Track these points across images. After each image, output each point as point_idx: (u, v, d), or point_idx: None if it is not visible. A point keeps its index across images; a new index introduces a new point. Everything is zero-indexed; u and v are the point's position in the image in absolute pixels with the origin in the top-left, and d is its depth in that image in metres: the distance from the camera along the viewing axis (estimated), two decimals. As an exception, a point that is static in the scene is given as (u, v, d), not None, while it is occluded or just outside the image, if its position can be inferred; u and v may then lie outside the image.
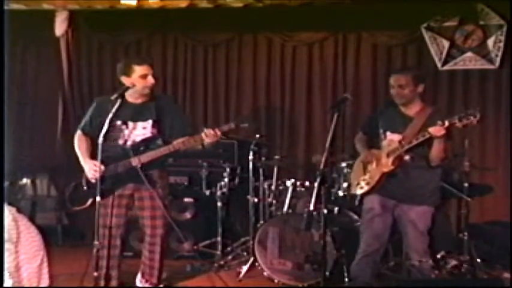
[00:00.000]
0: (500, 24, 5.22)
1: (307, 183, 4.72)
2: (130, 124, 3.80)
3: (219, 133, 3.60)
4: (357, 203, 4.25)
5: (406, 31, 5.53)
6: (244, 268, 4.51)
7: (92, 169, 3.69)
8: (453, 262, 4.42)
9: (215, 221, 4.95)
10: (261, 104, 5.84)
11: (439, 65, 5.42)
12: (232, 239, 5.13)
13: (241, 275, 4.47)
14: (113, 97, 3.61)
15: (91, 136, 3.83)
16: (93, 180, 3.65)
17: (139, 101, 3.81)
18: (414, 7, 5.25)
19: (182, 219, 4.99)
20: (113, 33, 5.94)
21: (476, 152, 5.24)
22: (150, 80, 3.74)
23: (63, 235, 5.55)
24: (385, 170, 3.62)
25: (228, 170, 4.99)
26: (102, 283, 3.74)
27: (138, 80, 3.71)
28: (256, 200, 4.94)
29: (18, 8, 5.57)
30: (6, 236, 2.97)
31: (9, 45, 5.00)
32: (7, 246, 2.97)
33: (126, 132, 3.80)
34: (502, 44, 5.23)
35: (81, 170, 3.85)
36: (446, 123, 3.35)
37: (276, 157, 5.00)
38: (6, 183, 4.89)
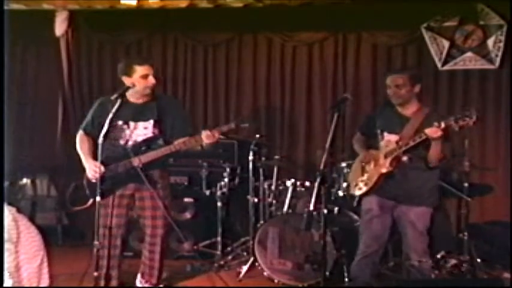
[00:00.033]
0: (500, 24, 5.22)
1: (307, 183, 4.72)
2: (132, 124, 3.80)
3: (216, 135, 3.61)
4: (355, 204, 4.26)
5: (406, 31, 5.54)
6: (244, 268, 4.51)
7: (92, 169, 3.69)
8: (453, 261, 4.41)
9: (215, 221, 4.95)
10: (261, 104, 5.84)
11: (439, 65, 5.42)
12: (232, 239, 5.13)
13: (241, 275, 4.47)
14: (113, 97, 3.61)
15: (93, 136, 3.83)
16: (94, 180, 3.65)
17: (140, 101, 3.82)
18: (414, 7, 5.25)
19: (182, 219, 4.99)
20: (113, 33, 5.94)
21: (476, 152, 5.24)
22: (151, 80, 3.75)
23: (63, 235, 5.54)
24: (383, 171, 3.61)
25: (228, 170, 4.99)
26: (102, 283, 3.74)
27: (139, 80, 3.72)
28: (256, 200, 4.94)
29: (18, 8, 5.57)
30: (6, 236, 2.97)
31: (9, 45, 5.00)
32: (7, 246, 2.97)
33: (128, 132, 3.80)
34: (502, 44, 5.23)
35: (82, 170, 3.86)
36: (443, 124, 3.34)
37: (276, 157, 5.01)
38: (6, 183, 4.89)
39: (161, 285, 4.03)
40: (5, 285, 2.93)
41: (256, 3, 5.47)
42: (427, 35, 5.40)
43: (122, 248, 3.94)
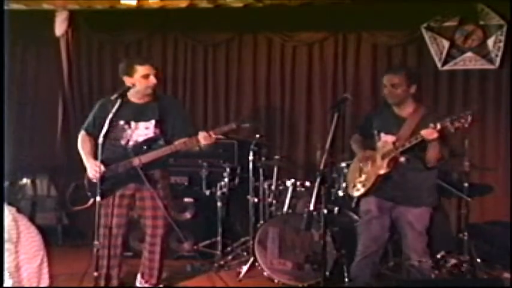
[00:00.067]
0: (500, 24, 5.22)
1: (307, 183, 4.72)
2: (133, 124, 3.81)
3: (213, 136, 3.62)
4: (353, 205, 4.27)
5: (406, 31, 5.54)
6: (244, 268, 4.51)
7: (93, 169, 3.70)
8: (453, 261, 4.41)
9: (215, 221, 4.95)
10: (261, 104, 5.84)
11: (439, 65, 5.42)
12: (232, 239, 5.13)
13: (241, 275, 4.47)
14: (113, 97, 3.62)
15: (94, 136, 3.83)
16: (95, 180, 3.66)
17: (142, 101, 3.83)
18: (414, 7, 5.25)
19: (182, 219, 4.99)
20: (113, 33, 5.94)
21: (476, 152, 5.24)
22: (152, 80, 3.75)
23: (63, 235, 5.54)
24: (380, 172, 3.61)
25: (228, 170, 4.99)
26: (102, 283, 3.74)
27: (140, 80, 3.73)
28: (256, 200, 4.94)
29: (18, 8, 5.57)
30: (6, 236, 2.97)
31: (9, 45, 5.00)
32: (7, 246, 2.97)
33: (129, 132, 3.81)
34: (502, 44, 5.23)
35: (82, 170, 3.87)
36: (438, 126, 3.33)
37: (276, 157, 5.00)
38: (6, 183, 4.89)
39: (161, 285, 4.03)
40: (5, 285, 2.93)
41: (256, 3, 5.47)
42: (427, 35, 5.40)
43: (122, 248, 3.94)
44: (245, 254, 4.86)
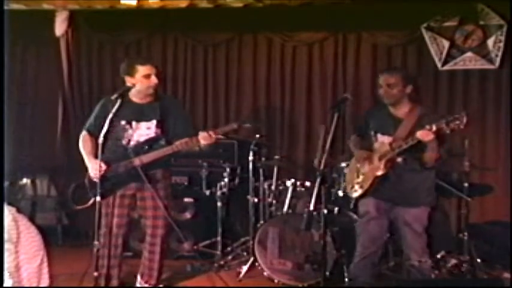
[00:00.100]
0: (500, 24, 5.22)
1: (307, 183, 4.71)
2: (134, 124, 3.82)
3: (214, 136, 3.62)
4: (351, 206, 4.27)
5: (406, 31, 5.53)
6: (244, 268, 4.51)
7: (95, 168, 3.70)
8: (453, 261, 4.41)
9: (215, 221, 4.95)
10: (261, 104, 5.84)
11: (439, 65, 5.42)
12: (232, 239, 5.13)
13: (241, 275, 4.47)
14: (113, 97, 3.63)
15: (96, 136, 3.83)
16: (96, 180, 3.66)
17: (143, 101, 3.83)
18: (414, 7, 5.25)
19: (182, 219, 4.99)
20: (113, 33, 5.94)
21: (476, 152, 5.24)
22: (154, 79, 3.76)
23: (63, 235, 5.54)
24: (378, 173, 3.61)
25: (228, 170, 4.99)
26: (102, 283, 3.74)
27: (141, 80, 3.74)
28: (256, 200, 4.94)
29: (18, 8, 5.57)
30: (6, 236, 2.98)
31: (9, 45, 5.00)
32: (7, 246, 2.97)
33: (130, 132, 3.82)
34: (502, 44, 5.23)
35: (82, 170, 3.87)
36: (434, 127, 3.32)
37: (276, 157, 5.00)
38: (6, 183, 4.89)
39: (161, 285, 4.03)
40: (5, 285, 2.94)
41: (256, 3, 5.47)
42: (427, 35, 5.40)
43: (123, 248, 3.94)
44: (245, 254, 4.86)
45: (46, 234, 3.27)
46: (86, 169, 3.83)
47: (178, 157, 4.69)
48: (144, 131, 3.81)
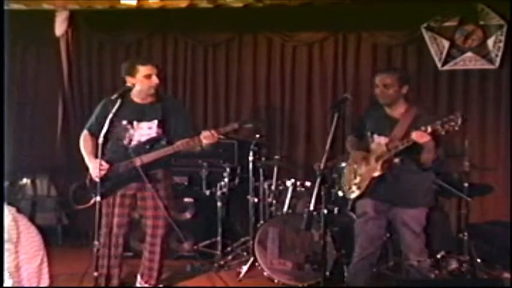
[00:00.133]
0: (500, 24, 5.22)
1: (307, 183, 4.71)
2: (136, 124, 3.82)
3: (216, 135, 3.62)
4: (349, 207, 4.26)
5: (406, 31, 5.53)
6: (244, 268, 4.51)
7: (95, 168, 3.70)
8: (454, 265, 4.42)
9: (215, 221, 4.95)
10: (261, 104, 5.84)
11: (439, 65, 5.42)
12: (232, 239, 5.13)
13: (241, 275, 4.47)
14: (113, 97, 3.64)
15: (97, 136, 3.83)
16: (97, 180, 3.66)
17: (145, 101, 3.84)
18: (414, 7, 5.25)
19: (182, 219, 4.99)
20: (113, 33, 5.94)
21: (476, 152, 5.23)
22: (155, 80, 3.77)
23: (63, 235, 5.54)
24: (374, 174, 3.60)
25: (228, 170, 5.00)
26: (102, 283, 3.74)
27: (142, 80, 3.74)
28: (256, 200, 4.94)
29: (18, 8, 5.57)
30: (6, 236, 2.98)
31: (9, 45, 5.00)
32: (7, 246, 2.97)
33: (131, 131, 3.82)
34: (502, 44, 5.23)
35: (82, 169, 3.87)
36: (429, 129, 3.32)
37: (276, 157, 5.00)
38: (6, 183, 4.89)
39: (161, 285, 4.03)
40: (5, 285, 2.94)
41: (256, 3, 5.47)
42: (427, 35, 5.40)
43: (123, 247, 3.94)
44: (245, 254, 4.87)
45: (46, 234, 3.27)
46: (86, 169, 3.83)
47: (178, 157, 4.69)
48: (145, 130, 3.82)
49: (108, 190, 3.73)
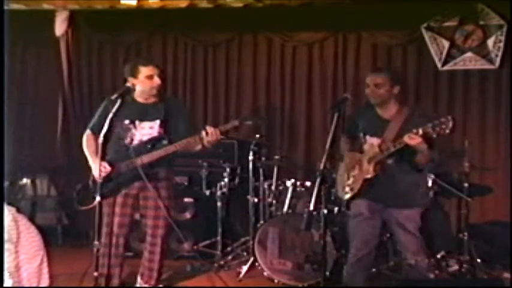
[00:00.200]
0: (500, 24, 5.22)
1: (307, 183, 4.71)
2: (138, 123, 3.82)
3: (218, 133, 3.62)
4: (343, 208, 4.25)
5: (406, 31, 5.53)
6: (244, 268, 4.51)
7: (99, 168, 3.69)
8: (455, 267, 4.42)
9: (215, 221, 4.95)
10: (261, 104, 5.84)
11: (439, 65, 5.42)
12: (232, 239, 5.13)
13: (241, 275, 4.47)
14: (113, 97, 3.64)
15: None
16: (101, 180, 3.66)
17: (148, 101, 3.85)
18: (414, 7, 5.25)
19: (182, 219, 4.99)
20: (113, 33, 5.94)
21: (476, 152, 5.23)
22: (156, 80, 3.78)
23: (63, 235, 5.54)
24: (367, 176, 3.58)
25: (228, 170, 5.00)
26: (102, 283, 3.74)
27: (144, 81, 3.75)
28: (256, 200, 4.94)
29: (18, 8, 5.57)
30: (6, 236, 2.98)
31: (9, 45, 5.00)
32: (7, 246, 2.97)
33: (133, 131, 3.82)
34: (502, 44, 5.23)
35: (83, 169, 3.87)
36: (420, 131, 3.30)
37: (276, 157, 5.00)
38: (6, 183, 4.89)
39: (161, 286, 4.03)
40: (5, 285, 2.94)
41: (256, 3, 5.47)
42: (427, 35, 5.40)
43: (124, 247, 3.93)
44: (245, 254, 4.87)
45: (46, 234, 3.27)
46: (87, 169, 3.83)
47: (178, 157, 4.69)
48: (147, 130, 3.82)
49: (112, 190, 3.73)
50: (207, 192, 5.07)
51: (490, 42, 5.27)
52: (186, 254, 4.88)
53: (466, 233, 4.48)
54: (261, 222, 4.65)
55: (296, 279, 4.24)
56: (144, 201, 3.88)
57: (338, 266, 4.11)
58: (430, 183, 4.41)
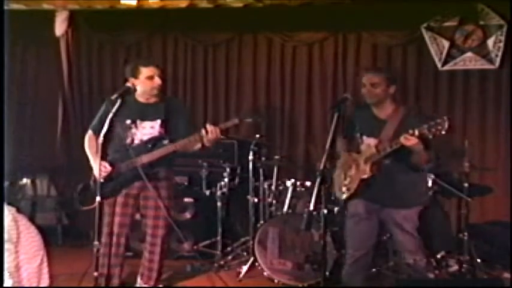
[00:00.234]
0: (500, 24, 5.22)
1: (307, 183, 4.71)
2: (139, 123, 3.83)
3: (218, 130, 3.62)
4: (340, 208, 4.25)
5: (406, 31, 5.53)
6: (244, 268, 4.51)
7: (100, 169, 3.70)
8: (454, 267, 4.41)
9: (215, 221, 4.95)
10: (261, 104, 5.84)
11: (439, 65, 5.42)
12: (232, 239, 5.13)
13: (241, 275, 4.47)
14: (113, 97, 3.64)
15: None
16: (102, 180, 3.66)
17: (149, 101, 3.86)
18: (414, 7, 5.25)
19: (182, 219, 4.99)
20: (113, 33, 5.94)
21: (476, 152, 5.23)
22: (157, 81, 3.78)
23: (63, 235, 5.54)
24: (363, 176, 3.58)
25: (228, 170, 5.00)
26: (102, 283, 3.74)
27: (145, 81, 3.76)
28: (256, 200, 4.94)
29: (18, 8, 5.57)
30: (6, 236, 2.98)
31: (9, 45, 4.99)
32: (7, 246, 2.97)
33: (134, 130, 3.83)
34: (502, 44, 5.23)
35: (83, 169, 3.88)
36: (416, 132, 3.30)
37: (276, 157, 5.00)
38: (6, 183, 4.89)
39: (161, 286, 4.03)
40: (5, 285, 2.94)
41: (256, 3, 5.47)
42: (427, 35, 5.40)
43: (125, 247, 3.93)
44: (245, 254, 4.87)
45: (46, 234, 3.27)
46: (90, 169, 3.83)
47: (178, 157, 4.69)
48: (147, 130, 3.83)
49: (113, 190, 3.74)
50: (207, 192, 5.07)
51: (490, 42, 5.27)
52: (186, 254, 4.88)
53: (466, 233, 4.48)
54: (261, 222, 4.65)
55: (296, 279, 4.24)
56: (144, 201, 3.88)
57: (338, 266, 4.11)
58: (430, 183, 4.42)
